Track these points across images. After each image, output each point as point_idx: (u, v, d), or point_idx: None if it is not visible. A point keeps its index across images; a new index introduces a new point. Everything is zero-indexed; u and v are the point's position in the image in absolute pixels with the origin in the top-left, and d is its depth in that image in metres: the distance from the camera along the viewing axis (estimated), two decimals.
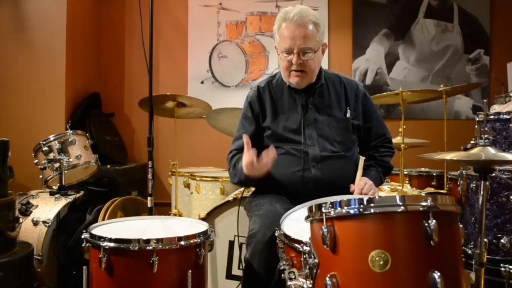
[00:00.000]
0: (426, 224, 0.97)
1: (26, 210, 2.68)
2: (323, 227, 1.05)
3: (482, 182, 1.41)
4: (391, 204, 1.01)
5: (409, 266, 0.99)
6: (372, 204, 1.02)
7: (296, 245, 1.41)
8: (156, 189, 2.76)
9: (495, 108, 2.35)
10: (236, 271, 2.51)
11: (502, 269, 2.00)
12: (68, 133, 3.05)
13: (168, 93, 3.10)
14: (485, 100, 2.11)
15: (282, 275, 1.36)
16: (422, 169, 3.80)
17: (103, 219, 2.65)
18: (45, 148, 2.97)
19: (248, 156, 1.83)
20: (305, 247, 1.33)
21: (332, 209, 1.07)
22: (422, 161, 3.85)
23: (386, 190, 2.89)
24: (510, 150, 2.11)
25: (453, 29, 4.22)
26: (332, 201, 1.07)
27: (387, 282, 0.97)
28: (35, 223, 2.61)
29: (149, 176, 2.37)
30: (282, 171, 2.02)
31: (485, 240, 2.10)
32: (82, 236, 1.53)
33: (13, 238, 2.07)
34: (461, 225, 1.11)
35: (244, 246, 2.40)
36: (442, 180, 3.39)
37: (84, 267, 1.50)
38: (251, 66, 4.35)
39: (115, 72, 4.32)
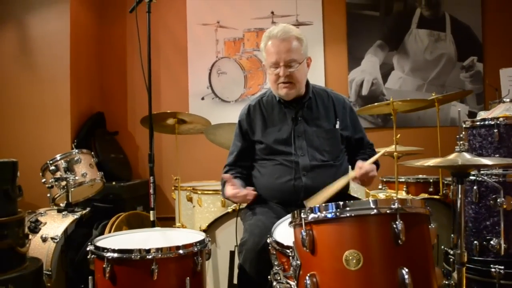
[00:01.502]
0: (394, 225, 1.07)
1: (35, 228, 2.79)
2: (302, 230, 1.15)
3: (460, 185, 1.50)
4: (364, 207, 1.11)
5: (380, 264, 1.08)
6: (347, 208, 1.12)
7: (286, 250, 1.50)
8: (160, 204, 2.87)
9: (481, 114, 2.43)
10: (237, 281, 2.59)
11: (492, 270, 2.06)
12: (73, 152, 3.17)
13: (168, 111, 3.21)
14: (459, 109, 2.19)
15: (269, 276, 1.47)
16: (420, 176, 3.88)
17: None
18: (52, 167, 3.08)
19: (231, 189, 2.04)
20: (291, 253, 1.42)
21: (311, 214, 1.16)
22: (420, 168, 3.93)
23: (381, 197, 2.98)
24: (496, 155, 2.19)
25: (446, 38, 4.32)
26: (310, 206, 1.17)
27: (360, 279, 1.06)
28: (44, 240, 2.71)
29: (151, 190, 2.47)
30: (275, 181, 2.14)
31: (476, 242, 2.19)
32: (88, 249, 1.63)
33: (23, 254, 2.17)
34: (433, 226, 1.20)
35: None
36: (439, 186, 3.46)
37: (90, 277, 1.60)
38: (250, 81, 4.48)
39: (118, 91, 4.47)
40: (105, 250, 1.54)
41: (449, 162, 1.42)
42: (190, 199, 3.42)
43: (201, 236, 1.76)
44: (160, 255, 1.51)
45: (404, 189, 3.53)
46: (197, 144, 4.08)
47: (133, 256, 1.50)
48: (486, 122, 2.23)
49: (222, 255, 2.62)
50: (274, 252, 1.63)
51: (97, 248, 1.59)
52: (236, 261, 2.59)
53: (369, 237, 1.13)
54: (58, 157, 3.11)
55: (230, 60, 4.47)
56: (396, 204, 1.08)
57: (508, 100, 3.59)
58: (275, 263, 1.61)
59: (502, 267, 2.06)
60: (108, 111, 4.38)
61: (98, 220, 2.92)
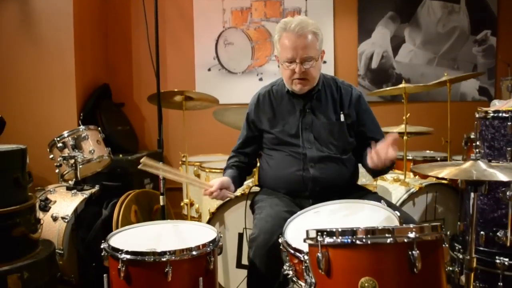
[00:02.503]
0: (410, 254, 1.08)
1: (45, 206, 2.83)
2: (318, 253, 1.16)
3: (472, 193, 1.49)
4: (380, 236, 1.11)
5: None
6: (363, 236, 1.12)
7: (298, 254, 1.51)
8: None
9: (496, 104, 2.39)
10: (245, 261, 2.65)
11: (497, 261, 2.11)
12: (81, 129, 3.16)
13: (175, 89, 3.18)
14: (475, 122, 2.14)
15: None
16: (427, 152, 3.88)
17: (118, 214, 2.79)
18: (60, 144, 3.08)
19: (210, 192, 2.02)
20: (305, 257, 1.43)
21: (327, 237, 1.17)
22: (426, 145, 3.92)
23: (389, 179, 2.98)
24: (508, 148, 2.17)
25: (460, 10, 4.19)
26: (328, 230, 1.17)
27: None
28: (55, 219, 2.75)
29: (161, 176, 2.48)
30: (283, 172, 2.14)
31: (482, 232, 2.22)
32: (102, 246, 1.66)
33: (36, 240, 2.21)
34: (446, 245, 1.21)
35: None
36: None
37: (104, 275, 1.63)
38: (257, 52, 4.39)
39: (124, 62, 4.39)
40: (119, 252, 1.56)
41: (464, 174, 1.40)
42: (197, 175, 3.44)
43: (213, 233, 1.78)
44: (173, 258, 1.53)
45: (412, 167, 3.55)
46: (205, 117, 4.04)
47: (146, 259, 1.53)
48: (500, 114, 2.21)
49: (231, 236, 2.67)
50: (285, 251, 1.64)
51: (111, 248, 1.60)
52: (245, 243, 2.65)
53: (385, 265, 1.14)
54: (65, 134, 3.11)
55: (237, 31, 4.36)
56: (414, 234, 1.08)
57: None
58: (287, 263, 1.63)
59: (507, 259, 2.11)
60: (113, 82, 4.32)
61: (107, 199, 2.94)
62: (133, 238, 1.76)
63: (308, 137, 2.12)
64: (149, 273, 1.54)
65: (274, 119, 2.19)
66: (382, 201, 1.88)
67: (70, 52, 3.72)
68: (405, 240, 1.12)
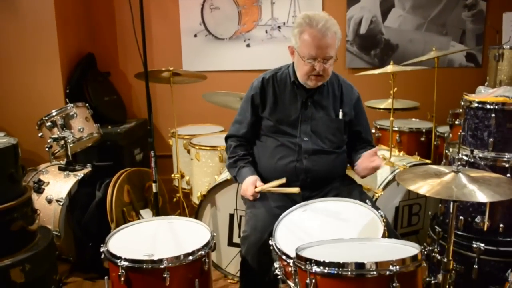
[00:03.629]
0: (391, 285, 1.19)
1: (39, 188, 2.88)
2: (307, 280, 1.26)
3: (452, 206, 1.58)
4: (365, 270, 1.21)
5: None
6: (349, 269, 1.22)
7: (287, 259, 1.61)
8: (157, 142, 2.90)
9: (481, 91, 2.43)
10: (236, 240, 2.77)
11: (474, 245, 2.25)
12: (69, 107, 3.14)
13: (163, 68, 3.17)
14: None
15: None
16: (413, 120, 3.95)
17: (112, 195, 2.85)
18: (49, 123, 3.09)
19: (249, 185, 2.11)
20: (292, 263, 1.53)
21: (315, 266, 1.27)
22: (413, 113, 3.98)
23: None
24: (490, 139, 2.25)
25: None
26: (316, 259, 1.26)
27: None
28: (49, 201, 2.82)
29: (152, 164, 2.53)
30: (277, 162, 2.19)
31: (461, 217, 2.34)
32: (101, 250, 1.74)
33: (34, 230, 2.28)
34: (425, 265, 1.31)
35: (243, 218, 2.64)
36: (431, 135, 3.56)
37: (105, 277, 1.72)
38: (244, 17, 4.29)
39: (107, 30, 4.27)
40: (118, 258, 1.64)
41: (445, 192, 1.47)
42: (187, 149, 3.49)
43: (206, 232, 1.86)
44: (171, 264, 1.62)
45: (397, 138, 3.64)
46: (193, 89, 4.02)
47: (144, 266, 1.62)
48: (484, 106, 2.25)
49: (222, 217, 2.76)
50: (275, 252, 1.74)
51: (110, 254, 1.68)
52: (235, 223, 2.76)
53: None
54: (54, 113, 3.10)
55: None
56: (395, 267, 1.18)
57: (508, 47, 3.57)
58: (276, 262, 1.74)
59: (483, 244, 2.24)
60: (98, 51, 4.22)
61: (99, 179, 2.99)
62: (130, 240, 1.84)
63: (306, 129, 2.17)
64: (148, 278, 1.63)
65: (275, 106, 2.21)
66: (367, 200, 1.97)
67: (52, 23, 3.61)
68: (387, 273, 1.22)
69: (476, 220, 2.28)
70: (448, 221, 1.68)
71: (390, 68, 2.78)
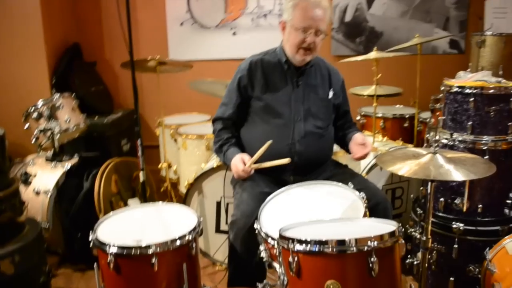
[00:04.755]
0: (369, 260, 1.26)
1: (26, 180, 2.89)
2: (290, 258, 1.32)
3: (429, 185, 1.64)
4: (345, 246, 1.28)
5: None
6: (329, 245, 1.28)
7: (272, 242, 1.66)
8: (144, 132, 2.92)
9: (461, 76, 2.48)
10: (223, 227, 2.82)
11: (454, 226, 2.32)
12: (55, 98, 3.14)
13: (149, 57, 3.17)
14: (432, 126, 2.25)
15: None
16: (397, 107, 4.01)
17: (99, 186, 2.87)
18: (35, 115, 3.08)
19: (238, 163, 2.11)
20: (275, 244, 1.58)
21: (298, 244, 1.32)
22: (396, 99, 4.03)
23: None
24: (469, 123, 2.31)
25: None
26: (298, 238, 1.32)
27: None
28: (37, 193, 2.82)
29: (139, 153, 2.55)
30: (272, 144, 2.09)
31: (442, 199, 2.41)
32: (90, 238, 1.77)
33: (22, 221, 2.29)
34: (402, 242, 1.38)
35: (230, 205, 2.69)
36: (414, 121, 3.63)
37: (95, 263, 1.75)
38: (231, 6, 4.29)
39: (93, 19, 4.24)
40: (107, 245, 1.67)
41: (422, 172, 1.53)
42: (174, 137, 3.51)
43: (194, 217, 1.89)
44: (159, 250, 1.66)
45: (381, 124, 3.70)
46: (179, 78, 4.03)
47: (133, 252, 1.65)
48: (464, 90, 2.31)
49: (209, 204, 2.81)
50: (260, 236, 1.79)
51: (98, 241, 1.71)
52: (222, 210, 2.80)
53: (348, 270, 1.33)
54: (40, 104, 3.09)
55: None
56: (373, 243, 1.25)
57: (489, 33, 3.64)
58: (262, 246, 1.78)
59: (462, 224, 2.32)
60: (84, 41, 4.20)
61: (87, 169, 3.01)
62: (119, 226, 1.87)
63: (299, 109, 2.21)
64: (136, 264, 1.67)
65: (266, 86, 2.23)
66: (349, 183, 2.02)
67: (37, 12, 3.57)
68: (366, 249, 1.28)
69: (455, 201, 2.36)
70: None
71: (373, 54, 2.82)
